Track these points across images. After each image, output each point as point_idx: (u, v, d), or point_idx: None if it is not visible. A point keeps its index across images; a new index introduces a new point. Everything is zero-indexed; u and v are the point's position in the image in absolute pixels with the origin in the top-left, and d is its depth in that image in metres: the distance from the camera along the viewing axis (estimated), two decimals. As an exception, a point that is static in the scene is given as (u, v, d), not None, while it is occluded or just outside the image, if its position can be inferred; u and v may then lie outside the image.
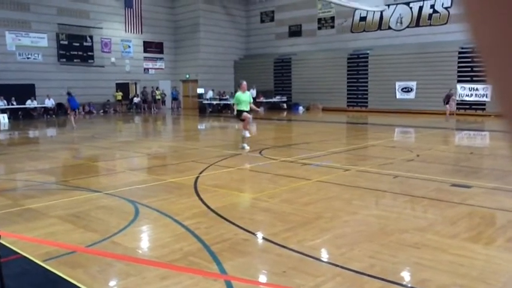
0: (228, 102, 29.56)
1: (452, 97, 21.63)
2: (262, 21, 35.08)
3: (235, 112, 11.89)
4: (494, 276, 3.80)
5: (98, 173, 9.52)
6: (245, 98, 11.63)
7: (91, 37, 29.64)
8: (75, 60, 28.90)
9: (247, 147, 11.70)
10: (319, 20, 31.55)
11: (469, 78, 24.39)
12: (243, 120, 11.76)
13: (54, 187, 7.86)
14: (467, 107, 24.51)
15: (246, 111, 11.63)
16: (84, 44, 29.36)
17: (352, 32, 29.99)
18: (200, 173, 8.61)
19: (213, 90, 31.23)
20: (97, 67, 29.93)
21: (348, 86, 29.52)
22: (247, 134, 11.95)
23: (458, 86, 24.12)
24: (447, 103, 21.00)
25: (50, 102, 26.36)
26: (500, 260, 4.14)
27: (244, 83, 11.79)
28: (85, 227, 5.34)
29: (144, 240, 5.10)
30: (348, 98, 29.64)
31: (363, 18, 29.36)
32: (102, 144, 13.86)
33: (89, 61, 29.64)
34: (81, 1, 29.13)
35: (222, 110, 29.67)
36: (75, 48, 28.89)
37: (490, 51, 0.43)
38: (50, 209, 6.16)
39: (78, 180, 8.24)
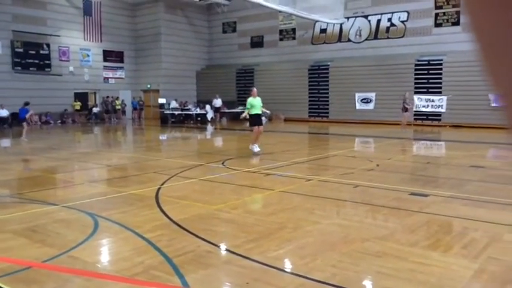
0: (190, 113, 29.38)
1: (406, 104, 21.23)
2: (224, 31, 35.19)
3: (246, 115, 13.13)
4: (451, 282, 3.91)
5: (55, 185, 9.22)
6: (257, 102, 12.79)
7: (48, 45, 28.84)
8: (31, 69, 28.00)
9: (256, 149, 12.71)
10: (281, 31, 31.96)
11: (425, 90, 25.24)
12: (253, 125, 12.85)
13: (8, 200, 7.54)
14: (423, 117, 25.32)
15: (259, 115, 12.87)
16: (41, 52, 28.52)
17: (313, 44, 30.52)
18: (162, 185, 8.49)
19: (176, 100, 30.94)
20: (54, 76, 29.13)
21: (309, 97, 29.95)
22: (257, 149, 12.84)
23: (415, 97, 24.89)
24: (406, 110, 20.97)
25: (3, 112, 25.39)
26: (457, 267, 4.27)
27: (255, 89, 13.08)
28: (41, 241, 5.14)
29: (104, 254, 4.96)
30: (309, 108, 30.06)
31: (323, 30, 29.94)
32: (59, 155, 13.46)
33: (46, 70, 28.80)
34: (37, 8, 28.34)
35: (184, 120, 29.43)
36: (31, 56, 28.01)
37: (490, 48, 0.45)
38: (3, 223, 5.91)
39: (34, 193, 7.95)
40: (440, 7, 25.48)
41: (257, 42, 33.24)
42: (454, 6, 25.04)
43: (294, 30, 31.33)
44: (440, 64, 24.87)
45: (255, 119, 12.94)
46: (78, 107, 30.51)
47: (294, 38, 31.47)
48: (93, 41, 30.97)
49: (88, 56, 31.30)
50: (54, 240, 5.20)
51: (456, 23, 25.00)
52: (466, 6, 0.45)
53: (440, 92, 24.77)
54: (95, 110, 31.10)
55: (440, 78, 24.87)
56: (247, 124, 13.37)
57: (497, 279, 3.99)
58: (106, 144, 18.73)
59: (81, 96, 31.08)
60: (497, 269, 4.21)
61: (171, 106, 30.08)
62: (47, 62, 28.85)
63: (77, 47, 30.50)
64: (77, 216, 6.29)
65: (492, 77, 0.47)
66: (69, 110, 30.16)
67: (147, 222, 5.87)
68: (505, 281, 3.94)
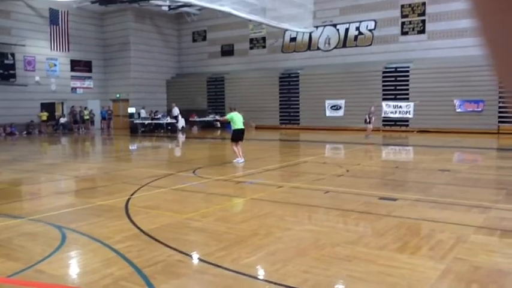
0: (161, 122, 29.10)
1: (371, 116, 20.75)
2: (194, 40, 35.15)
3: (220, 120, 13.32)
4: (419, 284, 3.99)
5: (20, 197, 8.97)
6: (239, 117, 13.03)
7: (13, 55, 28.13)
8: (-5, 79, 27.27)
9: (241, 161, 12.66)
10: (251, 40, 32.14)
11: (393, 96, 25.78)
12: (234, 140, 12.93)
13: (-30, 214, 7.28)
14: (392, 123, 25.84)
15: (243, 130, 13.01)
16: (5, 61, 27.78)
17: (283, 52, 30.80)
18: (132, 195, 8.36)
19: (143, 108, 30.52)
20: (19, 86, 28.40)
21: (280, 104, 30.16)
22: (242, 160, 12.76)
23: (384, 103, 25.40)
24: (369, 122, 20.56)
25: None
26: (424, 268, 4.36)
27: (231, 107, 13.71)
28: (6, 256, 4.99)
29: (72, 266, 4.85)
30: (280, 115, 30.25)
31: (293, 39, 30.27)
32: (25, 167, 13.10)
33: (11, 80, 28.07)
34: (1, 17, 27.65)
35: (155, 129, 29.13)
36: (-5, 66, 27.29)
37: (499, 51, 0.48)
38: (-35, 238, 5.70)
39: (-1, 206, 7.71)
40: (406, 16, 26.16)
41: (227, 51, 33.32)
42: (419, 15, 25.75)
43: (264, 39, 31.56)
44: (407, 71, 25.49)
45: (238, 134, 12.94)
46: (45, 118, 29.80)
47: (264, 47, 31.70)
48: (60, 50, 30.40)
49: (55, 65, 30.70)
50: (19, 254, 5.05)
51: (422, 31, 25.71)
52: (474, 10, 0.48)
53: (407, 98, 25.35)
54: (62, 120, 30.46)
55: (408, 85, 25.46)
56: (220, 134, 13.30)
57: (463, 279, 4.09)
58: (73, 155, 18.35)
59: (48, 107, 30.41)
60: (463, 269, 4.32)
61: (141, 116, 29.74)
62: (12, 72, 28.12)
63: (44, 56, 29.88)
64: (44, 229, 6.13)
65: (503, 80, 0.50)
66: (36, 121, 29.43)
67: (116, 233, 5.77)
68: (470, 280, 4.04)
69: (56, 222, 6.39)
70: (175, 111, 29.62)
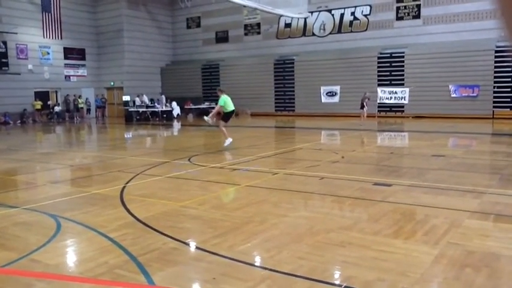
0: (156, 110, 28.98)
1: (366, 100, 21.04)
2: (188, 27, 34.87)
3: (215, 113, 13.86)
4: (413, 268, 4.01)
5: (15, 187, 8.94)
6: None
7: (5, 43, 27.87)
8: (-13, 68, 27.05)
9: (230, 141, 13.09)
10: (246, 26, 31.93)
11: (388, 82, 25.76)
12: (227, 121, 13.54)
13: (-35, 204, 7.26)
14: (387, 109, 25.85)
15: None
16: (-3, 50, 27.56)
17: (278, 38, 30.63)
18: (126, 183, 8.35)
19: (138, 96, 30.28)
20: (12, 74, 28.17)
21: (275, 91, 30.08)
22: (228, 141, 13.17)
23: (379, 89, 25.37)
24: (362, 107, 20.82)
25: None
26: (418, 253, 4.38)
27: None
28: (0, 245, 4.97)
29: (67, 255, 4.84)
30: (275, 102, 30.19)
31: (287, 25, 30.09)
32: (19, 156, 13.05)
33: (3, 68, 27.85)
34: (-8, 5, 27.35)
35: (150, 117, 29.03)
36: (-13, 55, 27.05)
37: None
38: (-41, 228, 5.68)
39: (-7, 195, 7.68)
40: (401, 1, 26.01)
41: (222, 38, 33.10)
42: (414, -1, 25.61)
43: (258, 24, 31.35)
44: (402, 57, 25.43)
45: (229, 116, 13.58)
46: (39, 107, 29.64)
47: (258, 33, 31.51)
48: (53, 38, 30.09)
49: (48, 53, 30.44)
50: (14, 244, 5.04)
51: (417, 16, 25.60)
52: None
53: (402, 84, 25.34)
54: (56, 109, 30.30)
55: (403, 71, 25.44)
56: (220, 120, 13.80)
57: (457, 263, 4.11)
58: (68, 144, 18.28)
59: (42, 95, 30.23)
60: (457, 253, 4.34)
61: (136, 104, 29.59)
62: (4, 60, 27.89)
63: (36, 44, 29.60)
64: (38, 218, 6.11)
65: None
66: (29, 110, 29.25)
67: (111, 221, 5.76)
68: (464, 264, 4.07)
69: (50, 211, 6.37)
70: (144, 99, 29.30)
